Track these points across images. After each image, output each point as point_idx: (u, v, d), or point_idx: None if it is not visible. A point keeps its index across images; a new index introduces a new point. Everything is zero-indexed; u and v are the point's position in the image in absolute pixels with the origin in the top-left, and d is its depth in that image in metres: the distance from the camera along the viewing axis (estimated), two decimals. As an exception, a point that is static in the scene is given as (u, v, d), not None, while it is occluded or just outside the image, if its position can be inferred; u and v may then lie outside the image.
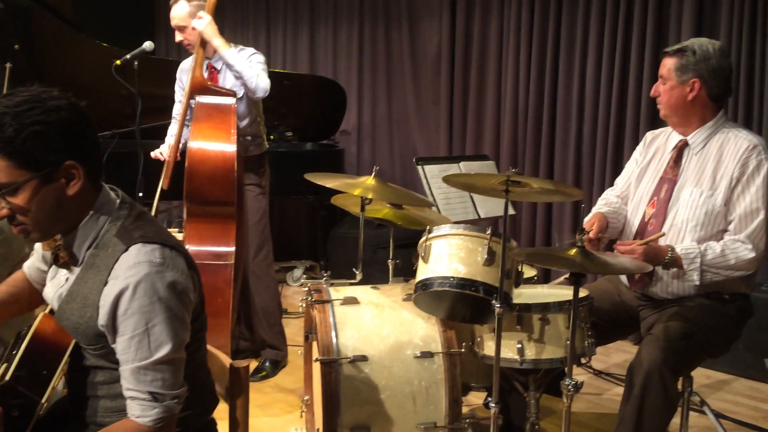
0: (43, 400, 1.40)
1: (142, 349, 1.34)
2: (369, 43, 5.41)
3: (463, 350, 2.22)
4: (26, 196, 1.34)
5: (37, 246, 1.64)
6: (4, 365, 1.49)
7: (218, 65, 3.27)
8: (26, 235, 1.41)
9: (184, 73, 3.41)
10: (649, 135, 2.58)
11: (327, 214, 5.17)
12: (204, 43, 3.12)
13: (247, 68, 3.11)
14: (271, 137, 4.82)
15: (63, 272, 1.48)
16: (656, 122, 2.49)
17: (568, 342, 2.06)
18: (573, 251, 1.97)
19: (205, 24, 3.08)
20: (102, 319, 1.36)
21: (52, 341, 1.46)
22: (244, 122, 3.27)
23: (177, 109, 3.46)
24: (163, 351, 1.35)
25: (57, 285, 1.49)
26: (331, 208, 5.16)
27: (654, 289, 2.36)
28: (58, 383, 1.51)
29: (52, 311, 1.53)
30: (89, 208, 1.43)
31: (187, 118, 3.27)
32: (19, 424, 1.40)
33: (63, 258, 1.44)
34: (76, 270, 1.44)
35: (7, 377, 1.40)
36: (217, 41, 3.10)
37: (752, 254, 2.20)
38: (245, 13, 6.20)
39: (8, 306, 1.67)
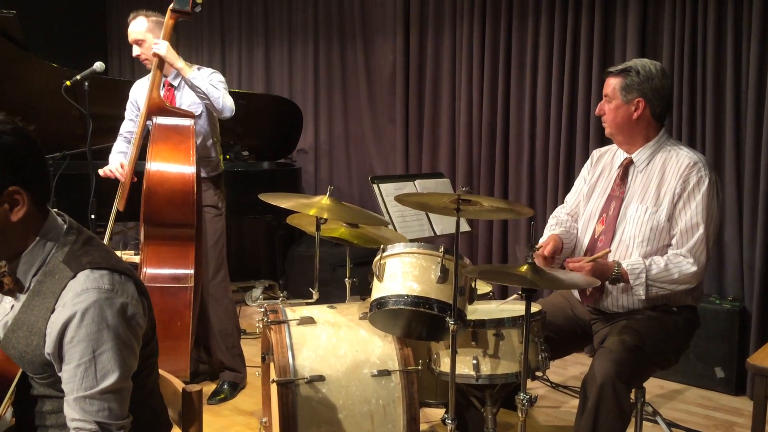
0: (-12, 432, 1.37)
1: (88, 378, 1.32)
2: (324, 62, 5.44)
3: (420, 368, 2.24)
4: None
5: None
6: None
7: (175, 82, 3.25)
8: None
9: (139, 91, 3.37)
10: (596, 153, 2.65)
11: (285, 233, 5.15)
12: (162, 64, 3.10)
13: (213, 89, 3.10)
14: (227, 157, 4.80)
15: (8, 300, 1.45)
16: (604, 139, 2.56)
17: (523, 356, 2.09)
18: (524, 267, 2.01)
19: (164, 49, 3.05)
20: (48, 347, 1.34)
21: (-2, 371, 1.43)
22: (200, 142, 3.25)
23: (126, 126, 3.42)
24: (110, 380, 1.33)
25: (2, 313, 1.46)
26: (290, 226, 5.15)
27: (605, 303, 2.42)
28: (5, 412, 1.47)
29: (-3, 340, 1.49)
30: (35, 234, 1.40)
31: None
32: (-37, 457, 1.36)
33: (8, 285, 1.41)
34: (22, 297, 1.41)
35: (-50, 409, 1.36)
36: (179, 64, 3.08)
37: (694, 268, 2.28)
38: (199, 32, 6.17)
39: None
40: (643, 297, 2.29)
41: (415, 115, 4.90)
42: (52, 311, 1.34)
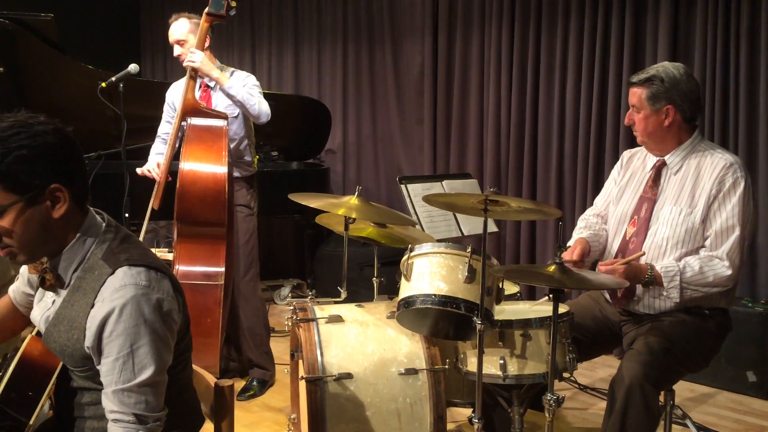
0: (31, 422, 1.42)
1: (126, 372, 1.36)
2: (353, 63, 5.48)
3: (447, 367, 2.25)
4: (12, 219, 1.37)
5: (23, 269, 1.66)
6: (-9, 388, 1.51)
7: (212, 83, 3.32)
8: (13, 257, 1.43)
9: (176, 92, 3.44)
10: (626, 154, 2.63)
11: (313, 233, 5.20)
12: (193, 77, 3.16)
13: (249, 96, 3.16)
14: (257, 157, 4.85)
15: (50, 295, 1.50)
16: (634, 142, 2.55)
17: (550, 357, 2.09)
18: (552, 267, 2.01)
19: (199, 60, 3.12)
20: (88, 341, 1.38)
21: (40, 363, 1.48)
22: (235, 144, 3.31)
23: (163, 128, 3.49)
24: (147, 373, 1.37)
25: (44, 308, 1.51)
26: (318, 226, 5.18)
27: (635, 305, 2.41)
28: (44, 405, 1.52)
29: (39, 333, 1.54)
30: (75, 231, 1.45)
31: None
32: (7, 446, 1.41)
33: (49, 280, 1.46)
34: (63, 293, 1.46)
35: (-5, 399, 1.42)
36: (215, 74, 3.15)
37: (729, 271, 2.25)
38: (230, 34, 6.25)
39: None
40: (678, 300, 2.27)
41: (443, 116, 4.91)
42: (92, 306, 1.39)
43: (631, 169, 2.57)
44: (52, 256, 1.46)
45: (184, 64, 3.17)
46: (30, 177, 1.36)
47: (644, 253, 2.35)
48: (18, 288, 1.68)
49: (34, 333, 1.56)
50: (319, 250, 5.12)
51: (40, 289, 1.53)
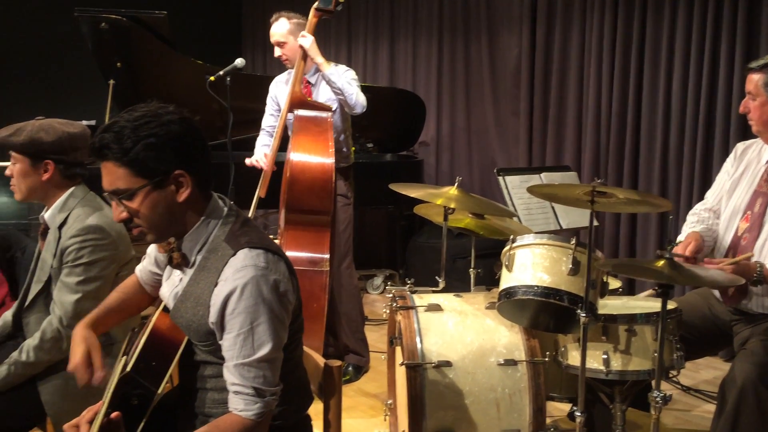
0: (159, 391, 1.52)
1: (246, 347, 1.44)
2: (448, 55, 5.47)
3: (546, 359, 2.24)
4: (140, 201, 1.47)
5: (150, 250, 1.77)
6: (124, 358, 1.63)
7: (312, 80, 3.42)
8: (142, 236, 1.54)
9: (278, 87, 3.56)
10: (741, 146, 2.52)
11: (406, 224, 5.24)
12: (305, 56, 3.27)
13: (348, 86, 3.25)
14: (353, 148, 4.94)
15: (177, 273, 1.60)
16: (747, 134, 2.43)
17: (656, 354, 2.04)
18: (661, 263, 1.96)
19: (309, 43, 3.23)
20: (212, 317, 1.47)
21: (168, 337, 1.58)
22: (334, 136, 3.39)
23: (267, 121, 3.62)
24: (265, 350, 1.45)
25: (172, 285, 1.61)
26: (410, 217, 5.22)
27: (748, 304, 2.31)
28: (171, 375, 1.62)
29: (165, 309, 1.65)
30: (200, 214, 1.55)
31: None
32: (138, 412, 1.52)
33: (176, 259, 1.56)
34: (189, 271, 1.56)
35: (128, 369, 1.53)
36: (320, 59, 3.26)
37: None
38: (327, 28, 6.38)
39: (120, 311, 1.81)
40: None
41: (540, 108, 4.83)
42: (216, 285, 1.48)
43: (746, 161, 2.46)
44: (179, 236, 1.56)
45: (299, 43, 3.26)
46: (157, 163, 1.46)
47: (753, 255, 2.24)
48: (145, 267, 1.80)
49: (161, 309, 1.67)
50: (412, 241, 5.16)
51: (168, 267, 1.63)
